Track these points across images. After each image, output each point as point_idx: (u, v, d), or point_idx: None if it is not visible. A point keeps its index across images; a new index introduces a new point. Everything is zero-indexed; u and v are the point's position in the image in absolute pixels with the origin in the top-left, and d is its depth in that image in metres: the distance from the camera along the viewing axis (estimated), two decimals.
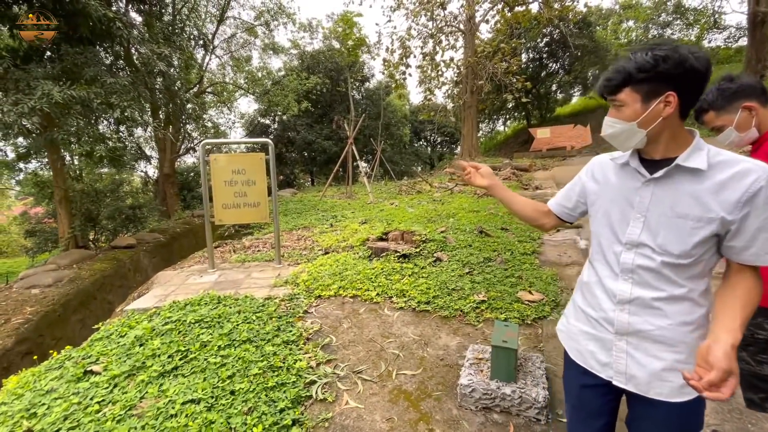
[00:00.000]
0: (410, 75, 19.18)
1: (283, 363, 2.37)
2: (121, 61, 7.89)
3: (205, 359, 2.38)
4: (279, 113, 19.10)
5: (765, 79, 17.56)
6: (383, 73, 20.01)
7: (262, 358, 2.38)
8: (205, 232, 4.39)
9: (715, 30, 22.85)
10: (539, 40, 21.48)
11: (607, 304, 1.06)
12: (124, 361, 2.42)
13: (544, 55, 21.99)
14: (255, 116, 20.91)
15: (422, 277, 3.58)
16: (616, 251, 1.04)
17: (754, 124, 1.48)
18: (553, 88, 23.66)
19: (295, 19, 15.15)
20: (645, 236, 0.99)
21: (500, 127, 31.81)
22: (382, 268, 3.78)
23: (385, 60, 19.18)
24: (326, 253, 4.71)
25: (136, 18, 8.22)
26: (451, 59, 18.17)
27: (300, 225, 6.62)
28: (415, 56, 18.94)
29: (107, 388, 2.20)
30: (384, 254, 4.15)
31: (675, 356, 0.98)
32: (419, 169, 28.63)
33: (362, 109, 19.60)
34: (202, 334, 2.67)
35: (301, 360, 2.43)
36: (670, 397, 0.99)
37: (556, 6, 16.27)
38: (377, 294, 3.31)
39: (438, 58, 17.69)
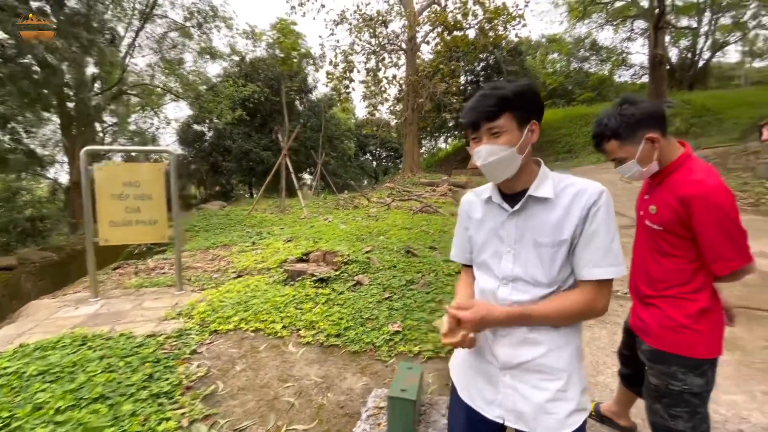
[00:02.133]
0: (353, 89, 19.15)
1: (143, 426, 1.89)
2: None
3: (32, 429, 1.83)
4: (214, 120, 17.98)
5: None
6: (326, 85, 19.79)
7: (112, 422, 1.88)
8: (87, 254, 3.69)
9: (623, 67, 25.79)
10: (476, 64, 22.67)
11: (489, 335, 1.03)
12: None
13: (481, 79, 23.22)
14: (188, 122, 19.50)
15: (337, 304, 3.26)
16: (492, 287, 1.02)
17: (656, 157, 1.36)
18: None
19: (231, 24, 14.40)
20: (518, 269, 0.98)
21: (442, 145, 32.98)
22: (294, 295, 3.39)
23: (328, 73, 18.99)
24: (239, 276, 4.21)
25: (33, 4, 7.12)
26: (394, 76, 18.44)
27: (219, 243, 6.00)
28: (358, 71, 19.01)
29: None
30: (300, 278, 3.76)
31: (556, 385, 0.96)
32: (365, 182, 28.51)
33: (305, 120, 19.11)
34: (42, 390, 2.10)
35: (169, 419, 1.97)
36: (557, 430, 0.95)
37: (490, 34, 17.23)
38: (283, 327, 2.92)
39: (381, 74, 17.85)
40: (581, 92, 25.04)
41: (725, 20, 22.27)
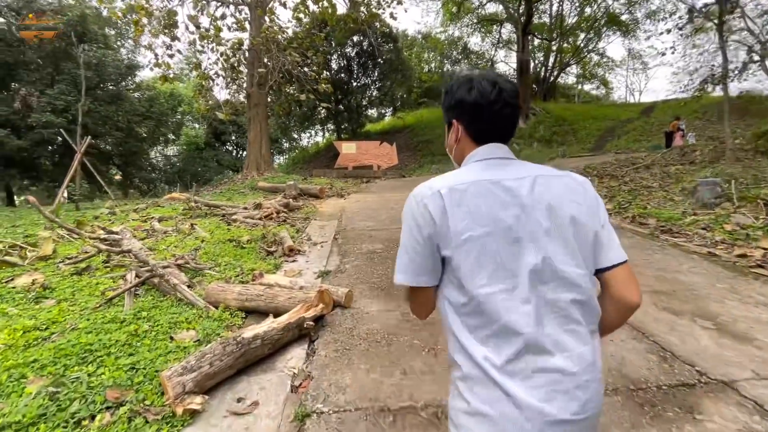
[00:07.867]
0: (179, 52, 12.79)
1: None
2: None
3: None
4: None
5: (529, 119, 19.35)
6: (133, 39, 13.13)
7: None
8: None
9: None
10: (349, 47, 18.68)
11: None
12: None
13: (354, 65, 19.33)
14: None
15: None
16: None
17: None
18: (364, 102, 21.35)
19: None
20: None
21: (319, 139, 28.30)
22: None
23: (135, 21, 12.50)
24: None
25: None
26: (239, 42, 12.94)
27: None
28: (187, 27, 12.98)
29: None
30: None
31: None
32: (231, 176, 21.78)
33: (80, 84, 12.08)
34: None
35: None
36: None
37: (362, 9, 13.31)
38: None
39: (211, 31, 12.19)
40: None
41: (566, 45, 23.40)
